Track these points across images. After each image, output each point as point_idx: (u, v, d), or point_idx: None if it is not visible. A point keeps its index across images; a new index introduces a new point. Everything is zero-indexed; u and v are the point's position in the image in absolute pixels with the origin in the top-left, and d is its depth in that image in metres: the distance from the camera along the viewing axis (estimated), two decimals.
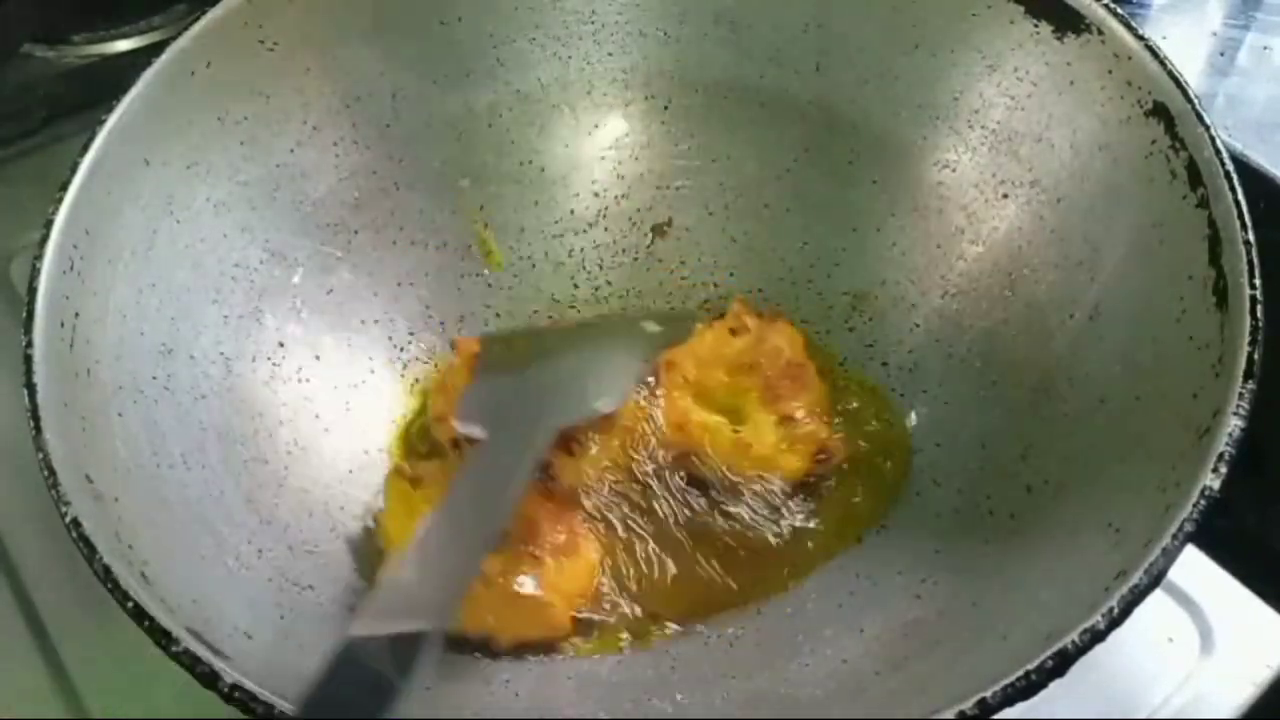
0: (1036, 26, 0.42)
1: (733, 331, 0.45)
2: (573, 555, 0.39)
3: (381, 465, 0.44)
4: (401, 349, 0.47)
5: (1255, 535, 0.51)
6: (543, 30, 0.49)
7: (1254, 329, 0.33)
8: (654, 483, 0.41)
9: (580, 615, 0.39)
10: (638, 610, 0.40)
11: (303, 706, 0.28)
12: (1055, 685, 0.29)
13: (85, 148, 0.39)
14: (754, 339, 0.44)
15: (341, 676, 0.29)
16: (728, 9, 0.48)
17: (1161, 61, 0.39)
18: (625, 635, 0.39)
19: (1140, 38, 0.40)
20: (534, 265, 0.50)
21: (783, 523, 0.41)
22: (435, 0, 0.47)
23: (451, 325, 0.48)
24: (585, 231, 0.50)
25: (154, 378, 0.39)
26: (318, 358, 0.45)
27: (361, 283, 0.47)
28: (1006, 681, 0.28)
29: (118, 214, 0.39)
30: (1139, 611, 0.29)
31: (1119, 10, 0.40)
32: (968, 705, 0.28)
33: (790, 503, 0.42)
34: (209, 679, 0.29)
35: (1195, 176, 0.37)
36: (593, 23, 0.49)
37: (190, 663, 0.29)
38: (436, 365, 0.47)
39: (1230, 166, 0.36)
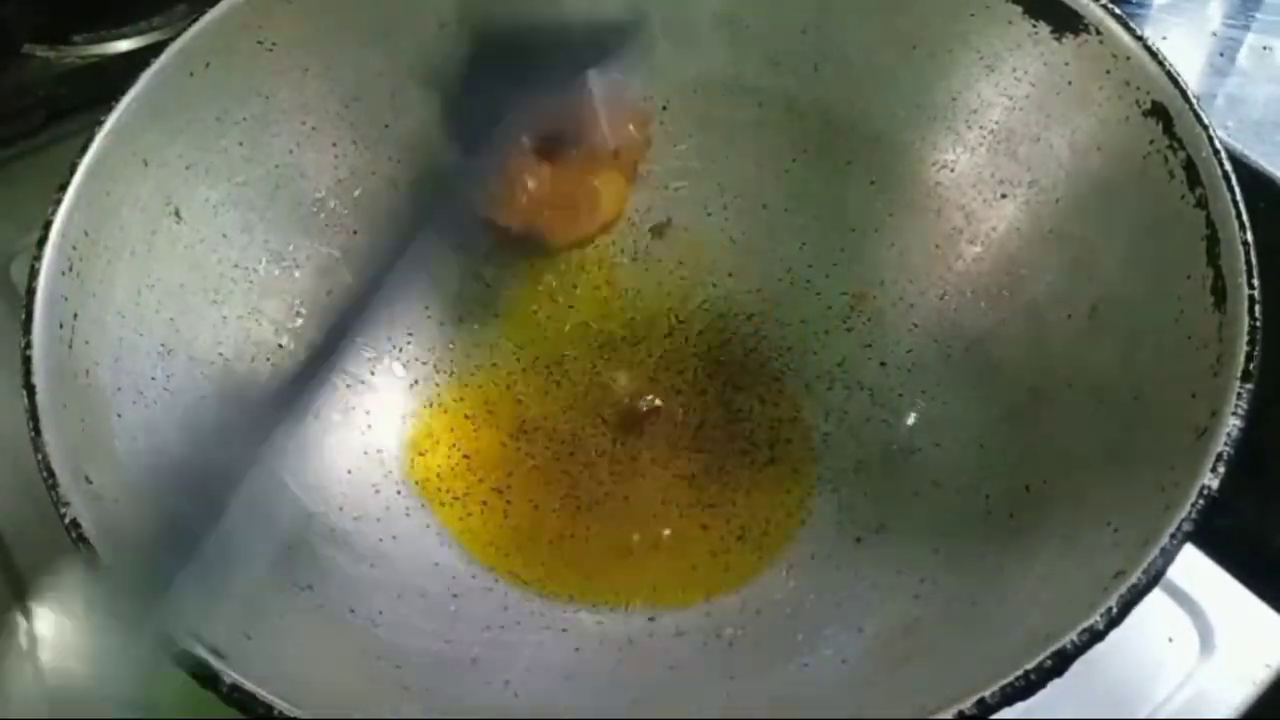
0: (1035, 27, 0.42)
1: None
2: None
3: (381, 465, 0.44)
4: (401, 349, 0.47)
5: (1255, 535, 0.51)
6: None
7: (1252, 329, 0.33)
8: None
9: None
10: None
11: None
12: (1054, 685, 0.29)
13: (84, 148, 0.39)
14: None
15: None
16: (727, 9, 0.48)
17: (1160, 61, 0.39)
18: None
19: (1138, 38, 0.40)
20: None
21: None
22: (434, 0, 0.47)
23: (450, 325, 0.48)
24: None
25: (153, 378, 0.39)
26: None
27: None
28: (1005, 681, 0.28)
29: (116, 214, 0.39)
30: (1138, 611, 0.29)
31: (1117, 10, 0.40)
32: (967, 705, 0.28)
33: None
34: (209, 679, 0.29)
35: (1194, 176, 0.37)
36: None
37: (190, 663, 0.29)
38: (436, 365, 0.47)
39: (1228, 166, 0.36)
